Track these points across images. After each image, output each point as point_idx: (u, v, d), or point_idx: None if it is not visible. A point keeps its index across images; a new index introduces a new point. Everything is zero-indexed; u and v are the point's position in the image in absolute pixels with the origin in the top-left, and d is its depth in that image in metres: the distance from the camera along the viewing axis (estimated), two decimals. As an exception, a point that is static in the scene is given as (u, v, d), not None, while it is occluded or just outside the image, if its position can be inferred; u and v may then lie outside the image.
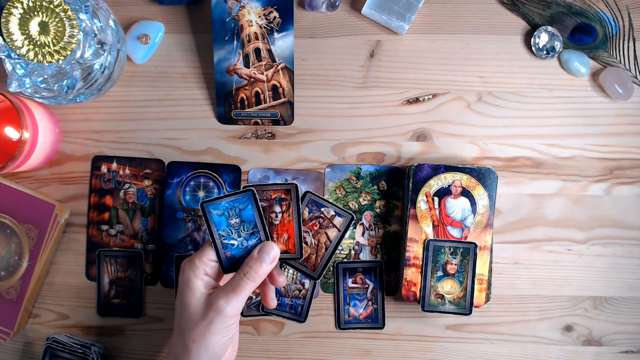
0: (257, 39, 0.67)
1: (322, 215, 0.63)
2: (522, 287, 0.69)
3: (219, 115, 0.69)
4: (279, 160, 0.69)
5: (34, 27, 0.56)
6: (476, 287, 0.65)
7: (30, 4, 0.56)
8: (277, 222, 0.59)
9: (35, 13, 0.56)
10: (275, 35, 0.68)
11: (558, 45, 0.68)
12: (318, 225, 0.63)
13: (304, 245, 0.60)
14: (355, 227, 0.69)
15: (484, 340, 0.69)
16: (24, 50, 0.56)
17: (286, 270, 0.68)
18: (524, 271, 0.69)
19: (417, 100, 0.69)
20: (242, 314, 0.68)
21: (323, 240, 0.62)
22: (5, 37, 0.56)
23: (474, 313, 0.66)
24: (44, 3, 0.56)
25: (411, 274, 0.65)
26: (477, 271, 0.65)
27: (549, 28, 0.68)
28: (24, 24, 0.56)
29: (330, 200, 0.64)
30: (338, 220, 0.63)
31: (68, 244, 0.69)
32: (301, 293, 0.68)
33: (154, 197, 0.69)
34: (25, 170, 0.67)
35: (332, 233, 0.62)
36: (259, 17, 0.67)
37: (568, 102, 0.69)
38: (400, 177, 0.69)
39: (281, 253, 0.58)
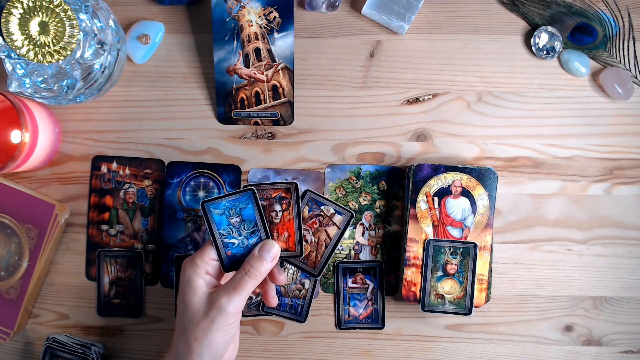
0: (257, 39, 0.68)
1: (322, 213, 0.63)
2: (522, 287, 0.69)
3: (219, 115, 0.69)
4: (279, 160, 0.69)
5: (34, 27, 0.56)
6: (476, 287, 0.65)
7: (30, 4, 0.56)
8: (277, 221, 0.59)
9: (35, 13, 0.56)
10: (275, 35, 0.68)
11: (558, 45, 0.68)
12: (318, 223, 0.63)
13: (304, 243, 0.60)
14: (355, 227, 0.69)
15: (484, 340, 0.69)
16: (24, 50, 0.56)
17: (286, 269, 0.68)
18: (524, 271, 0.69)
19: (417, 100, 0.69)
20: (242, 314, 0.68)
21: (323, 238, 0.62)
22: (5, 37, 0.56)
23: (474, 313, 0.66)
24: (44, 3, 0.56)
25: (411, 274, 0.65)
26: (477, 271, 0.65)
27: (549, 28, 0.68)
28: (24, 24, 0.56)
29: (330, 199, 0.64)
30: (338, 218, 0.63)
31: (68, 244, 0.69)
32: (301, 293, 0.68)
33: (154, 197, 0.69)
34: (25, 170, 0.67)
35: (332, 231, 0.62)
36: (259, 17, 0.67)
37: (568, 102, 0.69)
38: (400, 177, 0.69)
39: (282, 251, 0.58)
